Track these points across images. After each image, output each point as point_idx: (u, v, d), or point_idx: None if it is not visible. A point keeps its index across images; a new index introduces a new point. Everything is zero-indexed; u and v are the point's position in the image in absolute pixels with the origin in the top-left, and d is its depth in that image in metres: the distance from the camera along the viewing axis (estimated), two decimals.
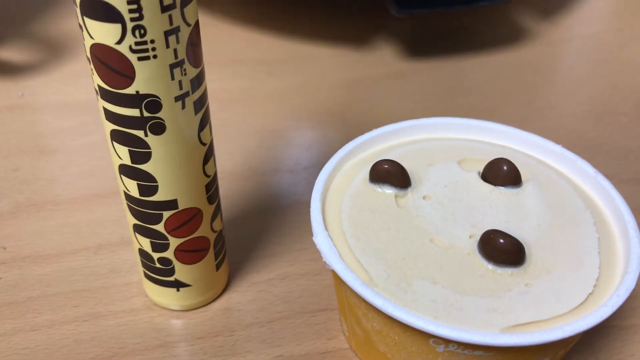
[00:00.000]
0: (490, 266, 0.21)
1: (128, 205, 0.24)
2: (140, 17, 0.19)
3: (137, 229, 0.24)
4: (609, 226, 0.24)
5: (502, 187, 0.24)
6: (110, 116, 0.21)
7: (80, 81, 0.40)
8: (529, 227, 0.23)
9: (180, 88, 0.21)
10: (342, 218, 0.23)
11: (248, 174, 0.34)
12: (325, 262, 0.22)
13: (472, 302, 0.20)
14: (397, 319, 0.20)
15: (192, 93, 0.21)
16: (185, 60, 0.21)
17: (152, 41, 0.19)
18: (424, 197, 0.24)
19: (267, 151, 0.35)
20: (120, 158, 0.22)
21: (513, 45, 0.45)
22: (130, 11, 0.18)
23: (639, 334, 0.26)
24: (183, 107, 0.21)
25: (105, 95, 0.21)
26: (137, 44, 0.19)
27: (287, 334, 0.26)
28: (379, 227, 0.23)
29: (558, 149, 0.26)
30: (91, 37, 0.19)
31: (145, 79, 0.20)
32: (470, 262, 0.21)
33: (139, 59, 0.19)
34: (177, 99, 0.21)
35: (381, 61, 0.44)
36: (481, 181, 0.24)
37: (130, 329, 0.26)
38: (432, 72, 0.43)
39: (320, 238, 0.22)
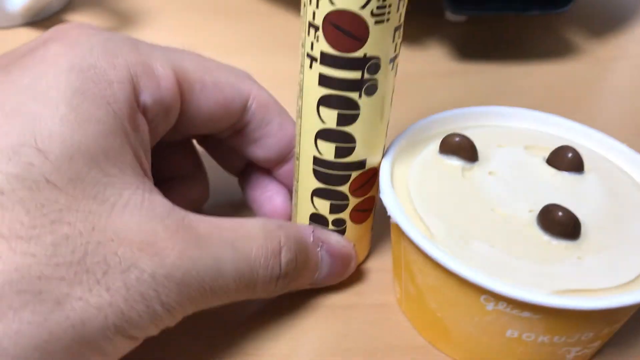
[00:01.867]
0: (546, 237, 0.22)
1: (315, 170, 0.25)
2: None
3: (318, 193, 0.25)
4: None
5: (566, 172, 0.25)
6: (327, 81, 0.22)
7: None
8: (587, 209, 0.24)
9: (395, 50, 0.23)
10: (409, 181, 0.25)
11: None
12: (389, 217, 0.23)
13: (524, 266, 0.22)
14: (454, 271, 0.21)
15: (398, 55, 0.23)
16: (402, 23, 0.23)
17: (390, 5, 0.21)
18: (489, 173, 0.25)
19: None
20: (323, 122, 0.23)
21: (560, 59, 0.46)
22: None
23: None
24: (392, 68, 0.23)
25: (327, 60, 0.22)
26: (378, 7, 0.21)
27: (336, 286, 0.27)
28: (444, 192, 0.24)
29: (623, 147, 0.27)
30: (332, 4, 0.21)
31: (375, 41, 0.22)
32: (527, 232, 0.23)
33: (376, 22, 0.21)
34: (391, 60, 0.23)
35: (431, 60, 0.45)
36: (546, 165, 0.26)
37: None
38: (480, 75, 0.44)
39: (386, 195, 0.24)
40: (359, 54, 0.22)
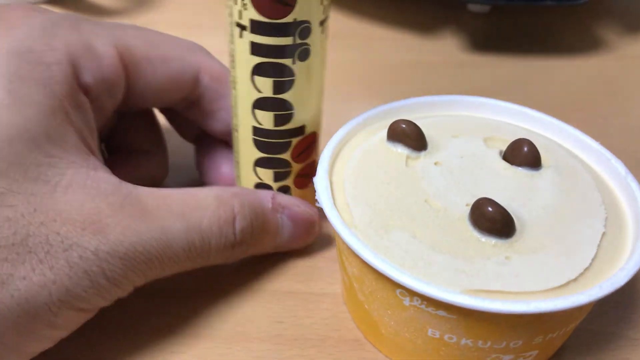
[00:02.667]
0: (475, 233, 0.21)
1: (255, 140, 0.25)
2: None
3: (260, 162, 0.25)
4: (622, 225, 0.22)
5: (519, 167, 0.23)
6: (259, 49, 0.22)
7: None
8: (532, 207, 0.22)
9: (324, 12, 0.23)
10: (348, 167, 0.24)
11: None
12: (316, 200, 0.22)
13: (443, 260, 0.20)
14: (365, 260, 0.20)
15: (328, 17, 0.23)
16: None
17: None
18: (435, 163, 0.24)
19: None
20: (259, 92, 0.23)
21: (584, 54, 0.43)
22: None
23: None
24: (322, 31, 0.23)
25: (258, 28, 0.22)
26: None
27: (282, 271, 0.27)
28: (380, 180, 0.23)
29: (595, 145, 0.25)
30: None
31: (303, 5, 0.22)
32: (457, 227, 0.21)
33: None
34: (321, 23, 0.23)
35: (443, 50, 0.44)
36: (500, 159, 0.24)
37: None
38: (493, 67, 0.42)
39: (319, 178, 0.23)
40: (289, 19, 0.22)
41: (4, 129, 0.20)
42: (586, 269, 0.20)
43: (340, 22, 0.46)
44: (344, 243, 0.21)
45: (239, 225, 0.23)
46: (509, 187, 0.23)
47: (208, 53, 0.27)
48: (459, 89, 0.40)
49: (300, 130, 0.25)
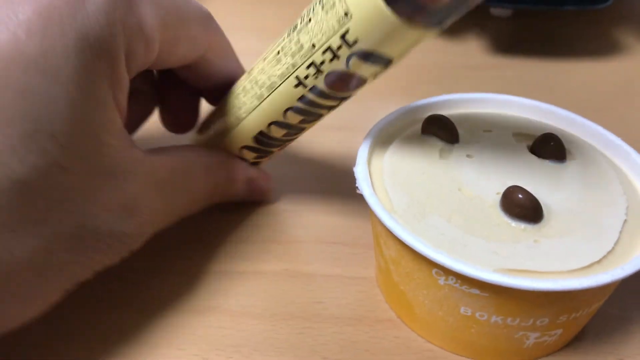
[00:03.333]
0: (506, 218, 0.23)
1: (257, 137, 0.28)
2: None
3: (250, 148, 0.28)
4: None
5: (546, 160, 0.25)
6: (307, 101, 0.25)
7: None
8: (558, 197, 0.24)
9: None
10: (385, 157, 0.26)
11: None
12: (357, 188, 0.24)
13: (476, 243, 0.22)
14: (404, 241, 0.22)
15: None
16: None
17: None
18: (467, 155, 0.25)
19: (334, 113, 0.38)
20: (285, 119, 0.26)
21: (604, 57, 0.45)
22: None
23: None
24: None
25: (318, 92, 0.24)
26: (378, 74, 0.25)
27: (323, 256, 0.29)
28: (416, 169, 0.25)
29: (617, 140, 0.27)
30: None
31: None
32: (489, 212, 0.23)
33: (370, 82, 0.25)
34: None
35: (466, 52, 0.45)
36: (528, 152, 0.26)
37: None
38: (515, 70, 0.43)
39: (359, 167, 0.25)
40: (346, 94, 0.25)
41: (75, 128, 0.21)
42: (609, 252, 0.22)
43: None
44: (383, 227, 0.23)
45: (213, 198, 0.28)
46: (537, 178, 0.24)
47: (217, 26, 0.28)
48: (483, 90, 0.41)
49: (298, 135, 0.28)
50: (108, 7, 0.22)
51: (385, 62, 0.23)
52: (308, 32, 0.23)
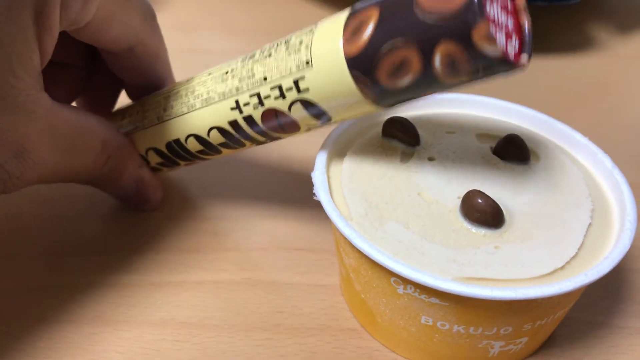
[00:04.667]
0: (466, 224, 0.22)
1: (171, 145, 0.27)
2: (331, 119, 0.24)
3: (158, 152, 0.27)
4: (608, 216, 0.23)
5: (510, 162, 0.24)
6: (237, 127, 0.25)
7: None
8: (522, 200, 0.23)
9: None
10: (345, 161, 0.25)
11: None
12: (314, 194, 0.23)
13: (435, 250, 0.21)
14: (361, 250, 0.21)
15: None
16: None
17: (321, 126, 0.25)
18: (429, 158, 0.25)
19: None
20: (208, 137, 0.26)
21: (577, 54, 0.44)
22: None
23: (635, 337, 0.25)
24: None
25: (250, 121, 0.24)
26: (315, 127, 0.25)
27: (284, 264, 0.28)
28: (375, 174, 0.24)
29: (583, 140, 0.26)
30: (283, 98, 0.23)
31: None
32: (448, 218, 0.22)
33: (305, 131, 0.25)
34: None
35: None
36: (490, 154, 0.25)
37: None
38: None
39: (317, 173, 0.24)
40: (275, 134, 0.25)
41: None
42: (572, 258, 0.21)
43: None
44: (341, 235, 0.22)
45: (102, 171, 0.27)
46: (499, 180, 0.24)
47: (156, 27, 0.27)
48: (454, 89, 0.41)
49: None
50: None
51: (324, 119, 0.23)
52: (264, 65, 0.23)
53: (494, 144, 0.25)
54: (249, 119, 0.24)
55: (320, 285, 0.27)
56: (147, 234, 0.29)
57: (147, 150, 0.28)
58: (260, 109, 0.23)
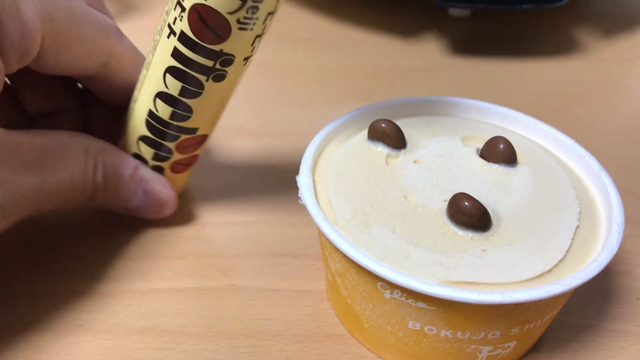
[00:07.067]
0: (452, 227, 0.22)
1: (148, 121, 0.26)
2: (261, 0, 0.21)
3: (145, 140, 0.27)
4: (595, 218, 0.23)
5: (496, 165, 0.24)
6: (179, 56, 0.23)
7: (144, 36, 0.44)
8: (508, 202, 0.23)
9: (252, 52, 0.24)
10: (330, 165, 0.24)
11: (260, 132, 0.36)
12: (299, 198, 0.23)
13: (421, 254, 0.21)
14: (346, 254, 0.21)
15: (254, 54, 0.24)
16: (265, 32, 0.23)
17: (257, 18, 0.22)
18: (414, 161, 0.24)
19: (284, 118, 0.37)
20: (166, 87, 0.24)
21: (562, 57, 0.44)
22: None
23: (623, 339, 0.25)
24: (245, 64, 0.24)
25: (186, 41, 0.23)
26: (245, 17, 0.22)
27: (269, 269, 0.27)
28: (361, 177, 0.24)
29: (570, 142, 0.26)
30: None
31: (234, 43, 0.22)
32: (435, 221, 0.22)
33: (239, 28, 0.22)
34: (245, 59, 0.24)
35: (424, 54, 0.44)
36: (476, 156, 0.25)
37: None
38: (474, 70, 0.43)
39: (302, 177, 0.24)
40: (215, 47, 0.23)
41: None
42: (560, 261, 0.21)
43: (324, 27, 0.47)
44: (327, 239, 0.22)
45: (95, 180, 0.26)
46: (486, 183, 0.23)
47: (122, 37, 0.27)
48: (440, 91, 0.41)
49: (192, 130, 0.26)
50: None
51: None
52: None
53: (480, 147, 0.25)
54: (183, 38, 0.23)
55: (306, 291, 0.27)
56: (130, 241, 0.28)
57: (137, 143, 0.27)
58: (185, 16, 0.22)
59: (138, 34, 0.44)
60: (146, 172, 0.27)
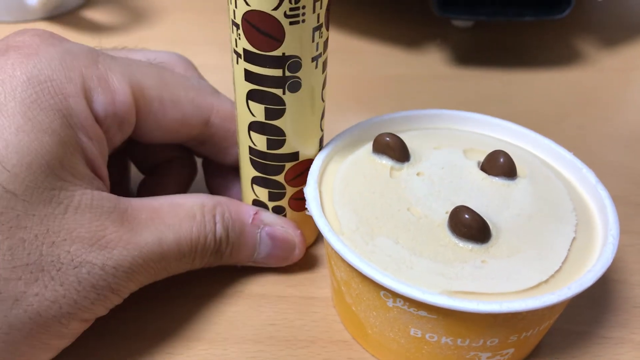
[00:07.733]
0: (453, 238, 0.22)
1: (251, 159, 0.26)
2: None
3: (256, 181, 0.26)
4: (592, 230, 0.24)
5: (496, 177, 0.25)
6: (251, 77, 0.23)
7: (154, 46, 0.45)
8: (508, 214, 0.24)
9: (317, 49, 0.24)
10: (336, 177, 0.25)
11: None
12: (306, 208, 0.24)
13: (423, 264, 0.22)
14: (351, 263, 0.22)
15: (323, 54, 0.24)
16: (323, 24, 0.23)
17: (304, 7, 0.22)
18: (417, 173, 0.25)
19: None
20: (253, 115, 0.24)
21: (564, 67, 0.45)
22: None
23: (619, 346, 0.26)
24: (316, 67, 0.24)
25: (250, 57, 0.23)
26: (291, 9, 0.22)
27: (276, 276, 0.28)
28: (366, 189, 0.25)
29: (568, 155, 0.27)
30: (247, 5, 0.22)
31: (292, 41, 0.22)
32: (436, 233, 0.23)
33: (290, 23, 0.22)
34: (313, 59, 0.24)
35: (428, 64, 0.45)
36: (478, 169, 0.25)
37: None
38: (476, 80, 0.44)
39: (309, 188, 0.24)
40: (277, 52, 0.23)
41: (23, 154, 0.21)
42: (557, 271, 0.22)
43: (329, 37, 0.48)
44: (332, 249, 0.23)
45: (217, 234, 0.25)
46: (486, 196, 0.24)
47: (218, 93, 0.28)
48: (443, 102, 0.42)
49: (293, 156, 0.26)
50: (62, 56, 0.23)
51: None
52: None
53: (481, 160, 0.26)
54: (247, 56, 0.23)
55: (312, 298, 0.27)
56: None
57: (252, 187, 0.27)
58: (241, 32, 0.22)
59: (148, 43, 0.45)
60: (267, 216, 0.27)
